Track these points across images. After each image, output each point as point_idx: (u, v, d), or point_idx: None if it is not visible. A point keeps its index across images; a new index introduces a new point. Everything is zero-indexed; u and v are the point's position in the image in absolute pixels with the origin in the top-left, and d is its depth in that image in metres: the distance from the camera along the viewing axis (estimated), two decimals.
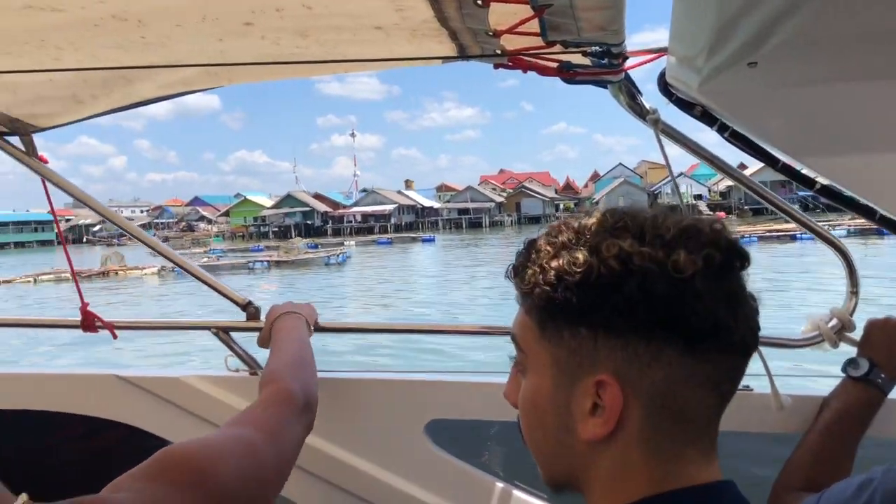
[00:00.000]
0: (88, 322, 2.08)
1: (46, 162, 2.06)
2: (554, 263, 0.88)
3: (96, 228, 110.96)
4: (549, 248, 0.91)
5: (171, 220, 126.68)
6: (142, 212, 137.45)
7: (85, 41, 1.43)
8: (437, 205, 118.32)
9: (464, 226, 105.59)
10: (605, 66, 1.51)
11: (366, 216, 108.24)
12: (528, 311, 0.93)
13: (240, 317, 2.13)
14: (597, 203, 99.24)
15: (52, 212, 2.08)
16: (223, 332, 2.15)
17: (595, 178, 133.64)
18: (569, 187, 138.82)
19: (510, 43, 1.40)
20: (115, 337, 2.09)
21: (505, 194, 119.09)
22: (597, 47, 1.40)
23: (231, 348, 2.16)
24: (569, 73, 1.53)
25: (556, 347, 0.90)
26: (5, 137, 2.02)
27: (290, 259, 51.16)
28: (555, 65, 1.50)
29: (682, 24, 1.34)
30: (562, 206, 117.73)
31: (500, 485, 2.04)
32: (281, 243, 64.53)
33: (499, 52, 1.44)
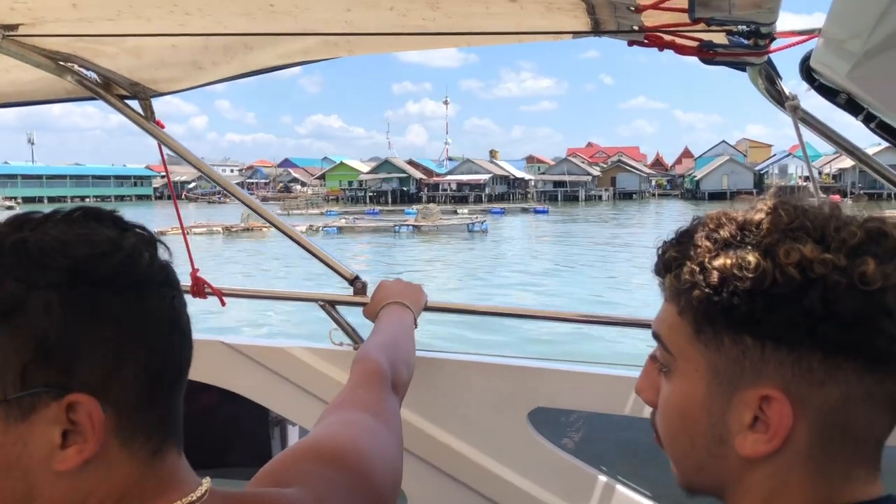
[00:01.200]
0: (198, 288, 2.10)
1: (163, 126, 2.09)
2: (717, 263, 0.80)
3: (191, 185, 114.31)
4: (708, 243, 0.83)
5: (263, 181, 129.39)
6: (231, 171, 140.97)
7: (214, 8, 1.43)
8: (528, 176, 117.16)
9: (559, 199, 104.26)
10: (749, 48, 1.41)
11: (460, 185, 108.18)
12: (681, 312, 0.85)
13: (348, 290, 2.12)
14: (697, 180, 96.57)
15: (167, 173, 2.12)
16: (329, 305, 2.15)
17: (686, 154, 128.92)
18: (658, 163, 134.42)
19: (650, 19, 1.33)
20: (223, 304, 2.11)
21: (598, 168, 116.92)
22: (744, 26, 1.31)
23: (336, 322, 2.16)
24: (709, 53, 1.44)
25: (713, 354, 0.82)
26: (126, 100, 2.05)
27: (432, 224, 51.26)
28: (695, 44, 1.41)
29: (844, 3, 1.23)
30: (654, 183, 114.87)
31: (602, 479, 1.99)
32: (418, 207, 65.06)
33: (636, 28, 1.37)
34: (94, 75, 1.96)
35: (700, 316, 0.83)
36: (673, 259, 0.86)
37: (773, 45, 1.43)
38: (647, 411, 1.89)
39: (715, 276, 0.80)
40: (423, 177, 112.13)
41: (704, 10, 1.20)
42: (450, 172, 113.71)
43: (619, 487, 1.98)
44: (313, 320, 2.26)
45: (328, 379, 2.15)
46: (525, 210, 79.13)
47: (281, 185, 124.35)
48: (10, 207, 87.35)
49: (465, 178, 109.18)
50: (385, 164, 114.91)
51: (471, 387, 2.04)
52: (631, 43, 1.47)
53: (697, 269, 0.82)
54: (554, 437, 2.06)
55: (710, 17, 1.23)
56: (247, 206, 2.28)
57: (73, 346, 0.73)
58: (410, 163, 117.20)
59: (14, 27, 1.60)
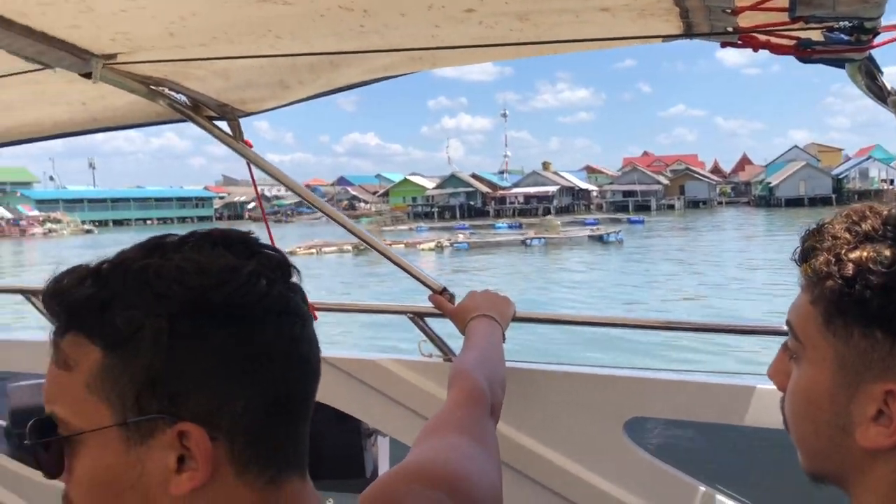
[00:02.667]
0: None
1: (251, 146, 2.13)
2: (853, 255, 0.80)
3: (251, 206, 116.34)
4: (848, 235, 0.83)
5: (323, 199, 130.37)
6: (287, 190, 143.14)
7: (304, 30, 1.45)
8: (591, 187, 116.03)
9: (629, 208, 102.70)
10: (850, 44, 1.36)
11: (528, 197, 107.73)
12: (813, 301, 0.86)
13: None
14: (771, 187, 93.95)
15: (256, 192, 2.16)
16: (418, 318, 2.16)
17: (746, 161, 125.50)
18: (717, 170, 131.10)
19: (745, 20, 1.30)
20: (315, 318, 2.13)
21: (664, 176, 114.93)
22: (846, 22, 1.27)
23: (426, 333, 2.17)
24: (806, 52, 1.39)
25: (842, 345, 0.83)
26: (214, 122, 2.10)
27: (558, 236, 51.14)
28: (792, 42, 1.37)
29: None
30: (717, 190, 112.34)
31: (702, 489, 1.94)
32: (535, 220, 64.85)
33: (730, 29, 1.34)
34: (184, 98, 2.00)
35: (832, 307, 0.82)
36: (811, 248, 0.86)
37: (877, 40, 1.38)
38: (747, 418, 1.84)
39: (850, 268, 0.80)
40: (489, 190, 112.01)
41: (806, 8, 1.17)
42: (515, 185, 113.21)
43: (720, 497, 1.93)
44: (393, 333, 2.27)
45: (419, 390, 2.15)
46: (616, 220, 76.60)
47: (345, 202, 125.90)
48: (88, 230, 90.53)
49: (531, 190, 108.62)
50: (451, 179, 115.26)
51: (565, 397, 2.02)
52: (724, 44, 1.43)
53: (833, 259, 0.82)
54: (651, 447, 2.03)
55: (811, 15, 1.20)
56: (336, 221, 2.28)
57: (179, 377, 0.75)
58: (474, 176, 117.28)
59: (112, 56, 1.65)
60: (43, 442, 0.80)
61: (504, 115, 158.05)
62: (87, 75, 1.64)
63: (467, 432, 1.24)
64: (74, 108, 2.07)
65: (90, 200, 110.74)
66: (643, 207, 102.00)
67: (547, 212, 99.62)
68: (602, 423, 2.00)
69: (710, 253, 41.73)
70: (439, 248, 47.86)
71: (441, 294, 2.06)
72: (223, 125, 2.11)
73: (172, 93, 1.97)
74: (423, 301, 2.09)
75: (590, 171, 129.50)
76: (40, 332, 2.81)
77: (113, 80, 1.75)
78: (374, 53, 1.67)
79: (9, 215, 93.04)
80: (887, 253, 0.78)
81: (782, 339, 0.95)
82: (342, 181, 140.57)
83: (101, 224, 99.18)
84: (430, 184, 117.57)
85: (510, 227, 74.50)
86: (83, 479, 0.79)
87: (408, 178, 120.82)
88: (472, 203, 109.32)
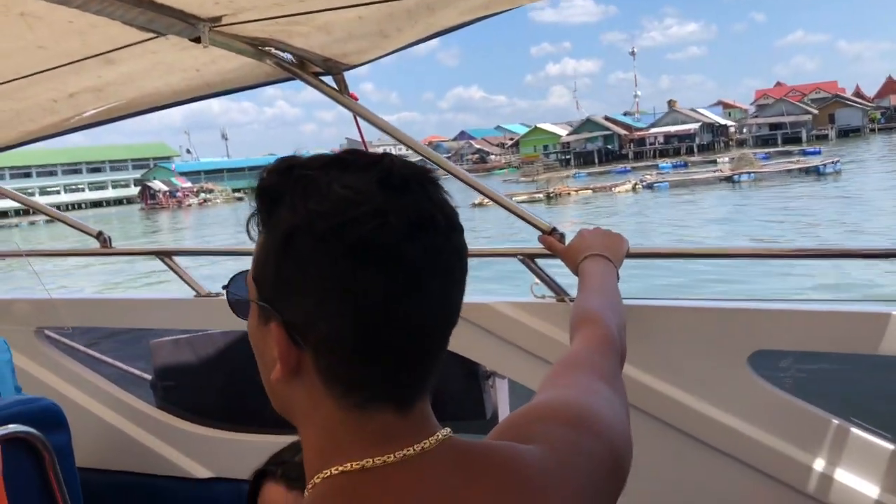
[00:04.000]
0: None
1: (357, 99, 2.16)
2: None
3: None
4: None
5: (445, 155, 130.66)
6: (406, 149, 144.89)
7: None
8: (729, 122, 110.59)
9: (778, 141, 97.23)
10: None
11: (668, 137, 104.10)
12: None
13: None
14: None
15: (364, 143, 2.15)
16: (529, 259, 2.15)
17: (890, 85, 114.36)
18: (859, 96, 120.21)
19: None
20: None
21: (806, 105, 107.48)
22: None
23: (538, 275, 2.16)
24: None
25: None
26: (320, 77, 2.13)
27: (763, 171, 49.55)
28: None
29: None
30: (867, 117, 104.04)
31: (835, 422, 1.87)
32: (732, 155, 63.24)
33: None
34: (290, 57, 2.05)
35: None
36: None
37: None
38: (880, 347, 1.76)
39: None
40: (625, 133, 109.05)
41: None
42: (652, 125, 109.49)
43: (854, 430, 1.86)
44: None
45: (534, 332, 2.16)
46: (785, 153, 72.24)
47: (475, 156, 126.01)
48: (240, 198, 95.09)
49: (671, 129, 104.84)
50: (587, 124, 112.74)
51: (685, 333, 1.97)
52: None
53: None
54: (779, 380, 1.97)
55: None
56: (455, 176, 2.24)
57: (286, 282, 0.84)
58: (607, 119, 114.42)
59: (218, 19, 1.70)
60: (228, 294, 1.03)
61: (632, 54, 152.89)
62: (197, 40, 1.71)
63: (602, 376, 1.21)
64: (189, 75, 2.15)
65: (229, 170, 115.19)
66: (792, 140, 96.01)
67: (690, 151, 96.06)
68: (725, 357, 1.94)
69: None
70: (637, 188, 47.53)
71: (551, 234, 2.04)
72: (329, 81, 2.14)
73: (279, 52, 2.02)
74: (533, 243, 2.07)
75: (725, 106, 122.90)
76: (177, 292, 3.02)
77: (221, 43, 1.81)
78: None
79: (165, 188, 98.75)
80: None
81: None
82: (463, 135, 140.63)
83: (250, 192, 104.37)
84: (560, 131, 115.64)
85: (674, 166, 72.53)
86: (249, 332, 0.94)
87: (538, 126, 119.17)
88: (609, 147, 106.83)
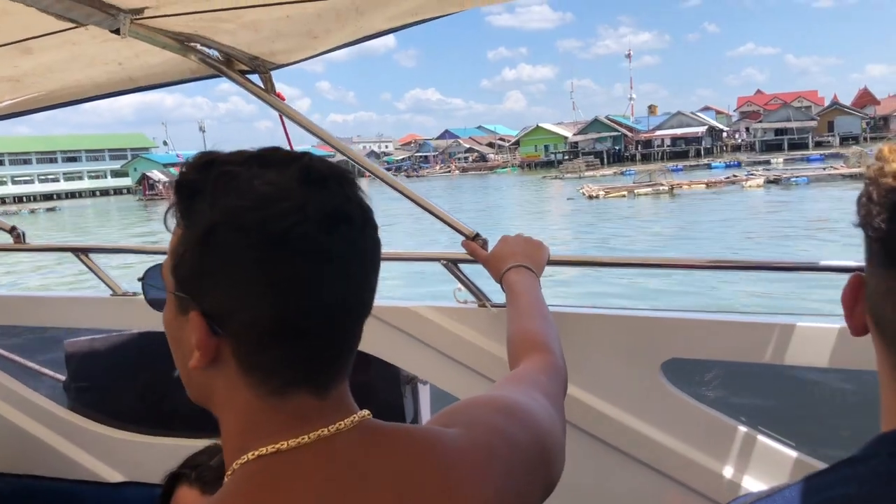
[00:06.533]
0: None
1: (283, 99, 2.13)
2: None
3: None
4: None
5: (432, 153, 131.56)
6: (387, 146, 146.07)
7: None
8: (724, 127, 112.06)
9: (783, 147, 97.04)
10: None
11: (675, 139, 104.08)
12: None
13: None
14: None
15: (290, 145, 2.13)
16: (453, 264, 2.15)
17: (865, 94, 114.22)
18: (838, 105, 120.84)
19: None
20: None
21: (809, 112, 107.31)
22: None
23: (460, 280, 2.17)
24: None
25: None
26: (247, 76, 2.10)
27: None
28: None
29: None
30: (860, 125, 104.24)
31: (742, 429, 1.92)
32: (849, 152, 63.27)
33: None
34: (216, 53, 2.01)
35: None
36: None
37: None
38: (787, 358, 1.80)
39: None
40: (630, 134, 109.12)
41: None
42: (657, 128, 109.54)
43: (761, 438, 1.91)
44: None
45: (455, 337, 2.16)
46: (792, 160, 74.21)
47: (476, 154, 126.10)
48: None
49: (678, 131, 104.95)
50: (594, 124, 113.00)
51: (601, 340, 1.99)
52: None
53: None
54: (689, 389, 2.01)
55: None
56: (378, 177, 2.22)
57: (205, 274, 0.87)
58: (610, 120, 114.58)
59: (139, 11, 1.66)
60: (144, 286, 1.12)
61: (628, 56, 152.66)
62: (117, 32, 1.65)
63: (544, 393, 1.23)
64: (111, 69, 2.10)
65: None
66: (798, 146, 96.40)
67: (698, 154, 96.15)
68: (639, 365, 1.98)
69: None
70: (768, 184, 48.00)
71: (474, 240, 2.03)
72: (255, 79, 2.11)
73: (204, 48, 1.98)
74: (456, 248, 2.07)
75: (717, 112, 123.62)
76: (92, 290, 2.96)
77: (144, 36, 1.77)
78: None
79: (165, 178, 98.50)
80: None
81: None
82: (448, 134, 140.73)
83: None
84: (562, 131, 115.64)
85: (727, 165, 73.66)
86: (164, 322, 0.97)
87: (539, 125, 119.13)
88: (617, 148, 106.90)
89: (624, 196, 48.53)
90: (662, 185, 50.17)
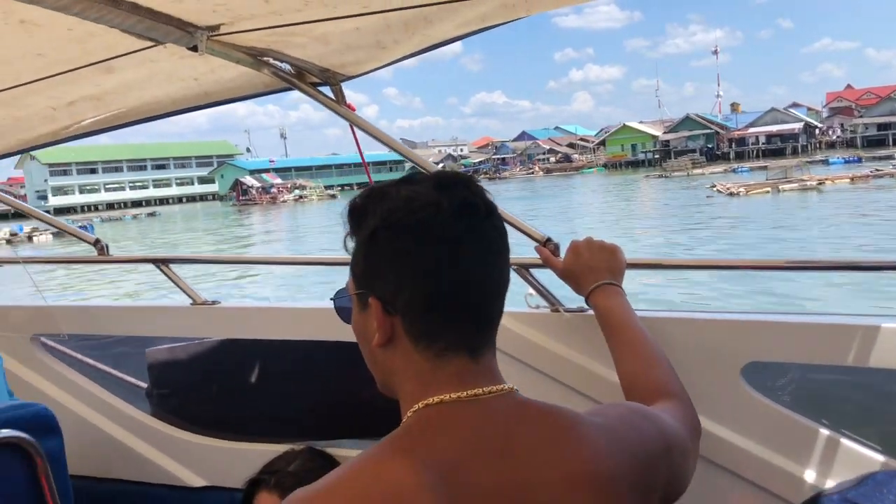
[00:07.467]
0: None
1: (354, 109, 2.16)
2: None
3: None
4: None
5: (510, 155, 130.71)
6: (461, 150, 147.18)
7: None
8: (818, 124, 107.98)
9: (889, 142, 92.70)
10: None
11: (770, 136, 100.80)
12: None
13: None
14: None
15: (361, 155, 2.18)
16: (523, 269, 2.13)
17: None
18: None
19: None
20: None
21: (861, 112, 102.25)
22: None
23: (532, 285, 2.16)
24: None
25: None
26: (318, 87, 2.14)
27: None
28: None
29: None
30: None
31: (825, 432, 1.87)
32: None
33: None
34: (287, 66, 2.05)
35: None
36: None
37: None
38: (872, 361, 1.78)
39: None
40: (721, 132, 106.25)
41: None
42: (750, 125, 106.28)
43: (845, 441, 1.85)
44: None
45: (528, 342, 2.15)
46: None
47: (560, 154, 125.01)
48: (332, 196, 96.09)
49: (773, 128, 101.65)
50: (686, 122, 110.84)
51: (678, 344, 1.95)
52: None
53: None
54: (770, 392, 1.96)
55: None
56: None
57: (372, 268, 1.14)
58: (700, 118, 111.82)
59: (216, 28, 1.71)
60: (336, 299, 1.31)
61: (715, 53, 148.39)
62: (195, 49, 1.71)
63: (676, 420, 1.38)
64: (188, 84, 2.16)
65: (296, 168, 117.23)
66: None
67: (795, 151, 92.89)
68: (718, 369, 1.94)
69: None
70: (855, 180, 47.60)
71: (545, 245, 2.02)
72: (326, 90, 2.15)
73: (276, 62, 2.02)
74: (529, 253, 2.05)
75: (809, 109, 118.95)
76: (172, 300, 3.03)
77: (219, 52, 1.82)
78: (467, 4, 1.67)
79: (257, 184, 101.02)
80: None
81: None
82: (525, 136, 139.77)
83: (327, 188, 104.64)
84: (651, 129, 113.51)
85: (846, 161, 72.81)
86: (353, 324, 1.23)
87: (626, 124, 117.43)
88: (710, 146, 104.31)
89: (768, 192, 47.64)
90: (805, 180, 49.00)
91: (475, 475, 1.03)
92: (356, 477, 1.03)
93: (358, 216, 1.16)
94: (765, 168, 65.88)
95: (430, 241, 1.09)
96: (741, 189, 48.30)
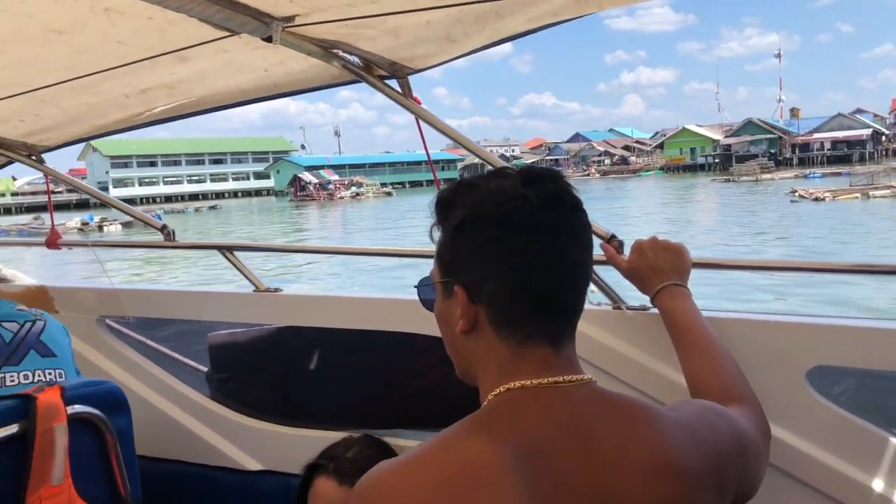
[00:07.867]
0: None
1: (420, 103, 2.16)
2: None
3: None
4: None
5: (564, 157, 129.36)
6: (513, 150, 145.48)
7: None
8: (885, 130, 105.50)
9: None
10: None
11: (836, 142, 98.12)
12: None
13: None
14: None
15: (426, 150, 2.18)
16: None
17: None
18: None
19: None
20: None
21: None
22: None
23: (594, 282, 2.12)
24: None
25: None
26: (385, 81, 2.14)
27: None
28: None
29: None
30: None
31: (893, 441, 1.82)
32: None
33: None
34: (356, 59, 2.07)
35: None
36: None
37: None
38: None
39: None
40: (784, 137, 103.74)
41: None
42: (815, 130, 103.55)
43: None
44: None
45: (590, 340, 2.12)
46: None
47: (617, 157, 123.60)
48: (388, 193, 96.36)
49: (840, 134, 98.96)
50: (748, 126, 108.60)
51: (742, 346, 1.90)
52: None
53: None
54: (835, 398, 1.92)
55: None
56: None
57: (459, 257, 1.18)
58: (762, 122, 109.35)
59: (291, 18, 1.73)
60: (420, 287, 1.35)
61: (778, 56, 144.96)
62: (269, 39, 1.74)
63: (763, 442, 1.43)
64: (258, 75, 2.20)
65: (350, 166, 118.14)
66: None
67: (862, 158, 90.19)
68: (783, 372, 1.90)
69: None
70: None
71: (609, 241, 2.00)
72: (394, 84, 2.15)
73: (346, 55, 2.04)
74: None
75: (875, 115, 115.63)
76: (233, 286, 3.08)
77: (292, 43, 1.85)
78: None
79: (315, 180, 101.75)
80: None
81: None
82: (578, 137, 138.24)
83: (382, 186, 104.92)
84: (711, 133, 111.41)
85: None
86: (436, 312, 1.28)
87: (686, 127, 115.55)
88: (772, 151, 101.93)
89: (857, 198, 46.76)
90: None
91: (554, 459, 1.06)
92: (437, 451, 1.07)
93: (446, 207, 1.19)
94: (837, 174, 64.50)
95: (516, 232, 1.12)
96: (827, 194, 47.24)
